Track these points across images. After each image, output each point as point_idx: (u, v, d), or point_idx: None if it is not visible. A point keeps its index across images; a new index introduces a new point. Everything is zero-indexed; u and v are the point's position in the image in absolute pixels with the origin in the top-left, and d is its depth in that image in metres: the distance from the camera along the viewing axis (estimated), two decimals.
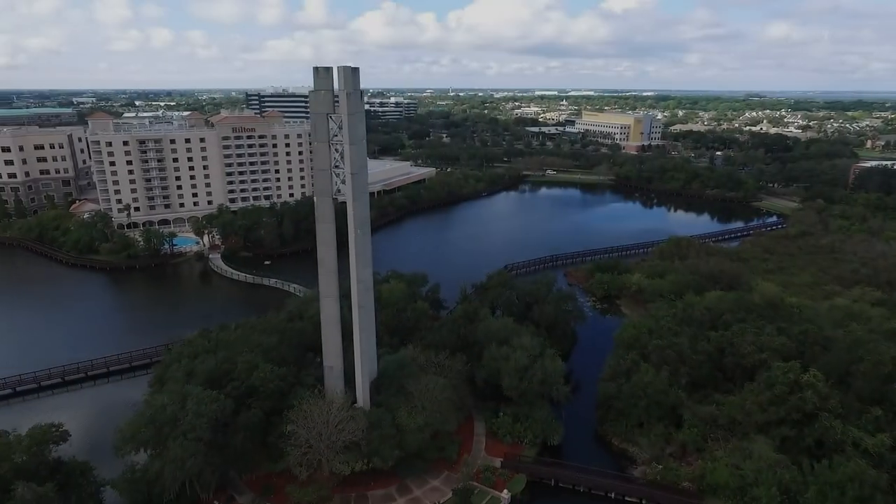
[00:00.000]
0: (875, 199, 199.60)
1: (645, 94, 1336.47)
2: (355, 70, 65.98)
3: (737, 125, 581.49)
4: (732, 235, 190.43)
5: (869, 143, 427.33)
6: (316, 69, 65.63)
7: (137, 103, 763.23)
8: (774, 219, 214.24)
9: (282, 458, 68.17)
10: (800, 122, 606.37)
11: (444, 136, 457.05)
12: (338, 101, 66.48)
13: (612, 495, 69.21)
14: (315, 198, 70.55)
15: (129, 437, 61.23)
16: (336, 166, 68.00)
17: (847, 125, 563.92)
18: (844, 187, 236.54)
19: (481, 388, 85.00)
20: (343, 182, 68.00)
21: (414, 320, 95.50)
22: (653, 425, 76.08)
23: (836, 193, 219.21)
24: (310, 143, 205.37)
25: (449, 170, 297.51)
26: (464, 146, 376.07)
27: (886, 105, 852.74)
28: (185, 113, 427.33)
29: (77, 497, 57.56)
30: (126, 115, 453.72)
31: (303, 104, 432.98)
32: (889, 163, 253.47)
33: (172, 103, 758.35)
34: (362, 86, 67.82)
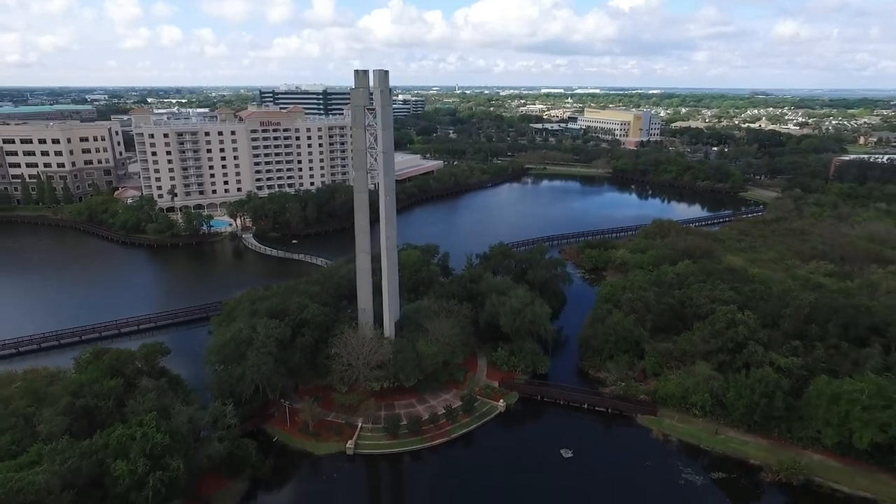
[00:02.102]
0: (847, 189, 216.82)
1: (651, 91, 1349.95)
2: (386, 72, 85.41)
3: (736, 122, 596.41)
4: (715, 221, 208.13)
5: (862, 140, 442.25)
6: (356, 71, 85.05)
7: (149, 100, 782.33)
8: (761, 207, 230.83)
9: (327, 375, 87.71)
10: (799, 119, 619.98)
11: (451, 132, 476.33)
12: (372, 97, 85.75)
13: (585, 406, 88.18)
14: (353, 172, 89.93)
15: (215, 351, 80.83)
16: (370, 147, 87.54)
17: (845, 122, 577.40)
18: (826, 179, 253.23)
19: (483, 331, 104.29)
20: (375, 159, 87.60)
21: (428, 280, 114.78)
22: (620, 357, 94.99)
23: (814, 184, 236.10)
24: (329, 133, 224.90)
25: (456, 163, 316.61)
26: (470, 141, 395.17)
27: (892, 103, 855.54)
28: (203, 109, 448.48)
29: (180, 394, 76.99)
30: None
31: (315, 100, 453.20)
32: (867, 156, 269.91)
33: (184, 101, 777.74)
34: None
